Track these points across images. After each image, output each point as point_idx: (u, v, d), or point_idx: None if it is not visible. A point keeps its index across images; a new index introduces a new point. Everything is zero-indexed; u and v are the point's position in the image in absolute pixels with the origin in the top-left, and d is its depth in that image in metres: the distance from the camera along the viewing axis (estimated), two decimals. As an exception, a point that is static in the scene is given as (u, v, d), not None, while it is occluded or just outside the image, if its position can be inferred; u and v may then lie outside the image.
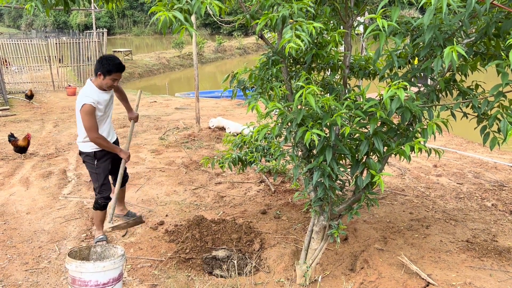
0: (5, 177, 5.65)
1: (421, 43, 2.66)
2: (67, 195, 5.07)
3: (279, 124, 2.77)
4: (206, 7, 2.33)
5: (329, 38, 3.03)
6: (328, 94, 3.18)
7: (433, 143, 6.66)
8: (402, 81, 2.26)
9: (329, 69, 3.29)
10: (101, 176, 3.76)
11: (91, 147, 3.67)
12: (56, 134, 8.11)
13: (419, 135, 2.60)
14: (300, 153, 3.07)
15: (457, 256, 3.47)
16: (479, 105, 2.61)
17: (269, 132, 2.72)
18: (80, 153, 3.78)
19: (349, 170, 2.83)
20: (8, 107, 10.64)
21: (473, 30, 2.78)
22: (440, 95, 2.90)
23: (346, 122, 2.59)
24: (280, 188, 5.17)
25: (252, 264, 3.43)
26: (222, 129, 8.14)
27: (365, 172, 2.75)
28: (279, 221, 4.22)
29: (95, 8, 18.61)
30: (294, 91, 2.88)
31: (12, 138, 6.40)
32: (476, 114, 2.77)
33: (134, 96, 12.96)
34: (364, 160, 2.73)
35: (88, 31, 17.41)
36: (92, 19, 20.69)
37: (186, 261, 3.52)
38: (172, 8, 2.29)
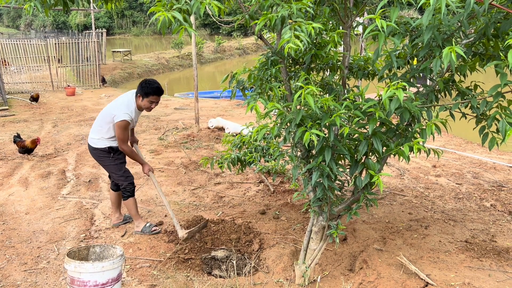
0: (4, 177, 5.64)
1: (420, 44, 2.67)
2: (66, 195, 5.06)
3: (278, 125, 2.77)
4: (205, 7, 2.33)
5: (328, 38, 3.03)
6: (327, 94, 3.18)
7: (432, 143, 6.67)
8: (401, 82, 2.26)
9: (328, 70, 3.30)
10: (121, 165, 3.97)
11: (105, 143, 3.85)
12: (55, 134, 8.10)
13: (418, 135, 2.60)
14: (299, 153, 3.07)
15: (456, 256, 3.47)
16: (478, 106, 2.61)
17: (268, 132, 2.73)
18: (94, 149, 3.92)
19: (348, 170, 2.83)
20: (7, 107, 10.63)
21: (472, 31, 2.78)
22: (439, 95, 2.91)
23: (345, 123, 2.59)
24: (279, 188, 5.17)
25: (251, 264, 3.43)
26: (221, 129, 8.14)
27: (364, 172, 2.75)
28: (278, 222, 4.22)
29: (94, 8, 18.63)
30: (293, 92, 2.88)
31: (18, 139, 6.38)
32: (475, 114, 2.77)
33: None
34: (363, 161, 2.73)
35: (87, 31, 17.42)
36: (91, 19, 20.68)
37: (185, 261, 3.52)
38: (171, 8, 2.29)
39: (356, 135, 2.68)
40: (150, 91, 3.71)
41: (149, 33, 45.87)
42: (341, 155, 2.84)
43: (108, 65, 18.59)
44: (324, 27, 2.64)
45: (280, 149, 3.40)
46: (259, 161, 4.02)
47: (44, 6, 2.89)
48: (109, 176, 4.17)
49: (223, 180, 5.54)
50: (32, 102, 11.19)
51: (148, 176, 4.04)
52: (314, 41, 3.01)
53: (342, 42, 2.97)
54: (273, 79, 2.95)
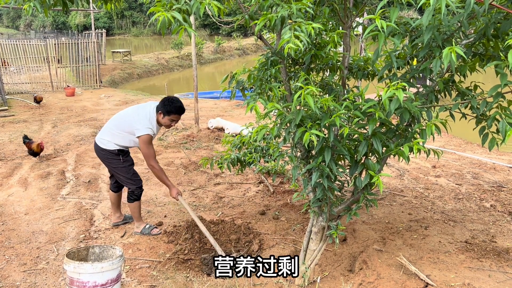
0: (3, 177, 5.63)
1: (420, 44, 2.67)
2: (66, 195, 5.06)
3: (278, 125, 2.77)
4: (205, 8, 2.33)
5: (328, 38, 3.02)
6: (327, 94, 3.18)
7: (432, 143, 6.67)
8: (401, 82, 2.26)
9: (328, 70, 3.29)
10: (130, 168, 3.91)
11: (114, 146, 3.80)
12: (55, 135, 8.10)
13: (418, 135, 2.60)
14: (299, 153, 3.07)
15: (456, 257, 3.47)
16: (478, 106, 2.61)
17: (268, 132, 2.72)
18: (101, 150, 3.84)
19: (348, 171, 2.83)
20: (6, 107, 10.62)
21: (472, 31, 2.78)
22: (439, 95, 2.91)
23: (345, 123, 2.59)
24: (279, 188, 5.17)
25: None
26: (221, 129, 8.14)
27: (364, 173, 2.74)
28: (278, 222, 4.22)
29: (94, 8, 18.62)
30: (293, 92, 2.88)
31: (26, 140, 6.36)
32: (475, 114, 2.77)
33: (133, 96, 12.97)
34: (363, 161, 2.73)
35: (87, 31, 17.43)
36: (91, 19, 20.69)
37: (185, 262, 3.52)
38: (171, 9, 2.28)
39: (356, 135, 2.68)
40: (172, 109, 3.68)
41: (148, 34, 45.87)
42: (341, 156, 2.84)
43: (108, 66, 18.58)
44: (324, 28, 2.64)
45: (280, 150, 3.39)
46: (259, 161, 4.02)
47: (43, 7, 2.88)
48: (110, 177, 4.16)
49: (223, 181, 5.54)
50: (34, 103, 11.15)
51: (177, 200, 3.86)
52: (314, 42, 3.01)
53: (342, 43, 2.97)
54: (272, 79, 2.95)
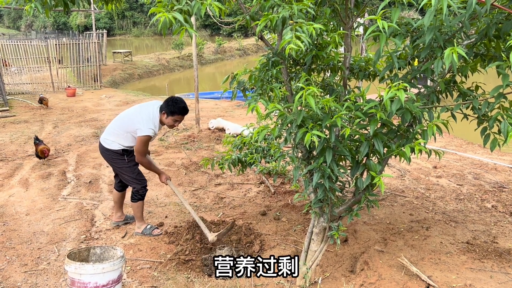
0: (4, 178, 5.64)
1: (421, 45, 2.66)
2: (67, 196, 5.06)
3: (279, 125, 2.77)
4: (206, 8, 2.33)
5: (329, 39, 3.02)
6: (328, 95, 3.18)
7: (433, 144, 6.66)
8: (402, 83, 2.25)
9: (329, 70, 3.29)
10: (135, 167, 3.94)
11: (119, 146, 3.83)
12: (56, 135, 8.10)
13: (419, 136, 2.60)
14: (300, 154, 3.07)
15: (457, 258, 3.46)
16: (480, 107, 2.61)
17: (269, 133, 2.72)
18: (106, 150, 3.88)
19: (349, 171, 2.83)
20: (7, 108, 10.63)
21: (473, 32, 2.78)
22: (440, 96, 2.90)
23: (346, 124, 2.59)
24: (280, 189, 5.16)
25: (252, 265, 3.42)
26: (222, 130, 8.14)
27: (365, 173, 2.74)
28: (279, 223, 4.21)
29: (95, 9, 18.64)
30: (294, 92, 2.88)
31: (37, 141, 6.34)
32: (476, 115, 2.76)
33: (134, 97, 12.97)
34: (364, 162, 2.73)
35: (88, 32, 17.44)
36: (92, 20, 20.71)
37: (186, 262, 3.51)
38: (172, 9, 2.28)
39: (357, 136, 2.67)
40: (176, 110, 3.70)
41: (149, 34, 45.91)
42: (342, 156, 2.83)
43: (109, 66, 18.60)
44: (325, 28, 2.64)
45: (281, 150, 3.39)
46: (260, 162, 4.01)
47: (44, 7, 2.89)
48: (115, 176, 4.16)
49: (224, 181, 5.54)
50: (39, 104, 11.11)
51: (167, 184, 4.02)
52: (315, 42, 3.01)
53: (343, 43, 2.97)
54: (274, 80, 2.95)
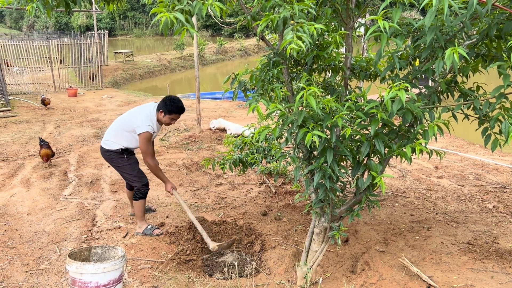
0: (6, 178, 5.65)
1: (422, 45, 2.66)
2: (68, 196, 5.07)
3: (280, 126, 2.77)
4: (207, 9, 2.33)
5: (330, 39, 3.02)
6: (329, 95, 3.18)
7: (434, 144, 6.66)
8: (403, 83, 2.25)
9: (330, 71, 3.29)
10: (135, 165, 3.99)
11: (118, 145, 3.88)
12: (57, 135, 8.11)
13: (420, 136, 2.59)
14: (301, 154, 3.07)
15: (458, 258, 3.46)
16: (481, 107, 2.60)
17: (270, 133, 2.72)
18: (106, 151, 3.93)
19: (350, 171, 2.83)
20: (9, 108, 10.65)
21: (475, 32, 2.77)
22: (441, 96, 2.90)
23: (347, 124, 2.59)
24: (280, 189, 5.16)
25: (252, 265, 3.43)
26: (223, 130, 8.14)
27: (366, 173, 2.74)
28: (280, 223, 4.22)
29: (97, 9, 18.65)
30: (295, 93, 2.88)
31: (41, 142, 6.33)
32: (477, 115, 2.76)
33: (135, 97, 12.98)
34: (365, 162, 2.73)
35: (90, 32, 17.46)
36: (93, 20, 20.74)
37: (187, 262, 3.52)
38: (173, 10, 2.29)
39: (358, 136, 2.68)
40: (173, 109, 3.76)
41: (151, 34, 45.95)
42: (343, 157, 2.83)
43: (110, 66, 18.62)
44: (326, 28, 2.64)
45: (281, 150, 3.39)
46: (261, 162, 4.02)
47: (46, 7, 2.89)
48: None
49: (225, 181, 5.54)
50: (41, 104, 11.13)
51: (172, 194, 4.03)
52: (316, 42, 3.01)
53: (344, 43, 2.97)
54: (275, 80, 2.95)
